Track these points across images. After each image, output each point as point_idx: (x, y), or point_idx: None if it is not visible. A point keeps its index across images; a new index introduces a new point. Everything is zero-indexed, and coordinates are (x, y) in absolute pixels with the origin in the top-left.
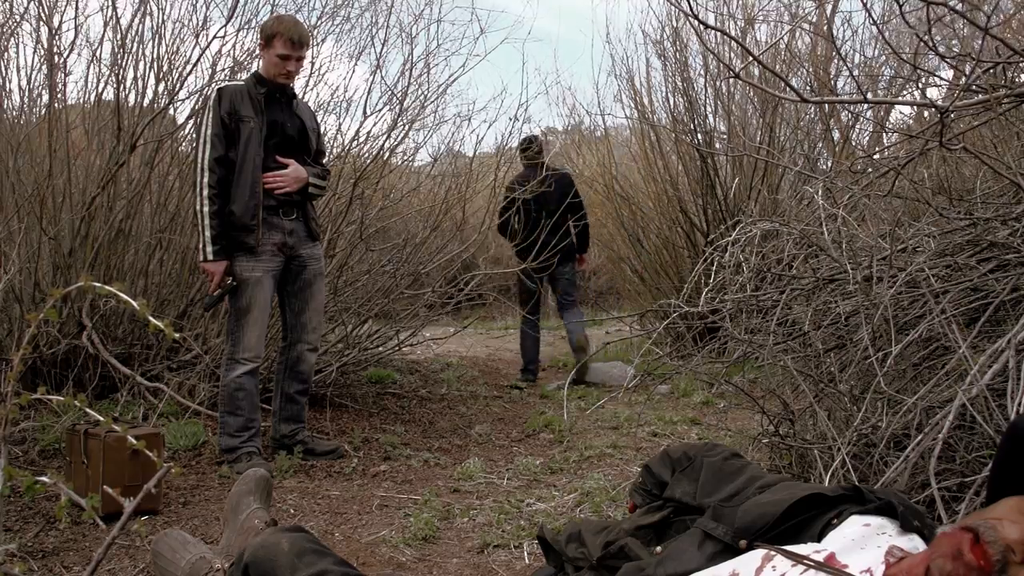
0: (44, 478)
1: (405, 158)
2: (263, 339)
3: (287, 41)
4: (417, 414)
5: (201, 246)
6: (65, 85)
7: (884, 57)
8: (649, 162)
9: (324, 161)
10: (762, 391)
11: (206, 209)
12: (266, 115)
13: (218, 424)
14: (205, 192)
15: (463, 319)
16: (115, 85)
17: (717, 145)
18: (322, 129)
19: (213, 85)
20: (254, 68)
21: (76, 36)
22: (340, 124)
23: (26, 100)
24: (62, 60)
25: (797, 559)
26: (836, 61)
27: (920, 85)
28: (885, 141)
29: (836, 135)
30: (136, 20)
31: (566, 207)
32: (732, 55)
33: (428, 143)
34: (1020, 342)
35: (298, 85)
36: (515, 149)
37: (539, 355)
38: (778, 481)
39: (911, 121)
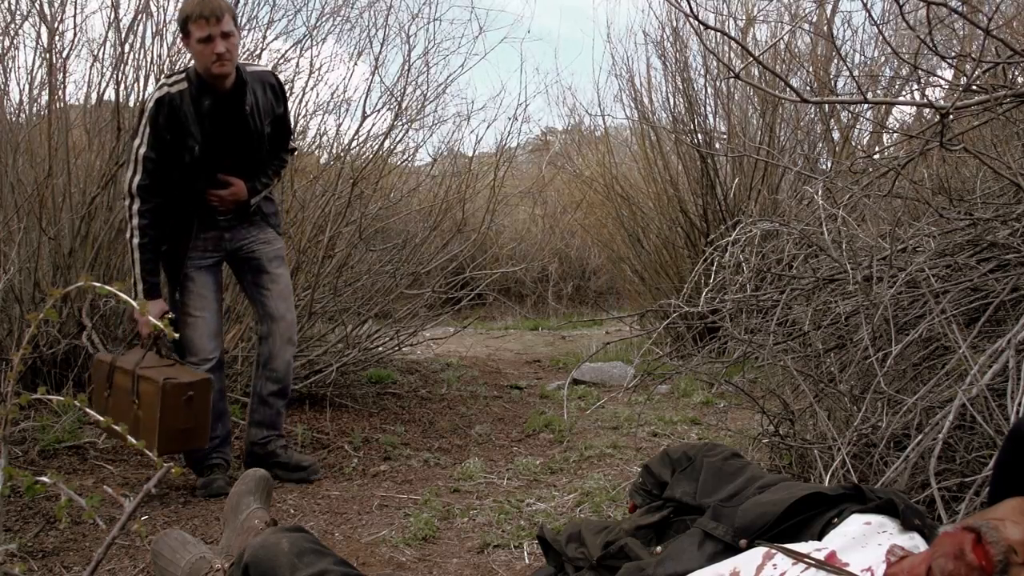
0: (44, 478)
1: (405, 158)
2: (210, 337)
3: (199, 20)
4: (417, 414)
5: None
6: (65, 85)
7: (884, 57)
8: (649, 162)
9: (291, 142)
10: (762, 391)
11: (136, 241)
12: (209, 128)
13: None
14: (135, 221)
15: (463, 319)
16: (115, 85)
17: (717, 145)
18: (290, 106)
19: (153, 92)
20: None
21: (76, 36)
22: (339, 124)
23: (26, 100)
24: (62, 60)
25: (798, 557)
26: (836, 61)
27: (920, 85)
28: (885, 141)
29: (836, 135)
30: (137, 20)
31: None
32: (732, 55)
33: (427, 143)
34: (1020, 342)
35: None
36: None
37: None
38: (778, 481)
39: (911, 121)
